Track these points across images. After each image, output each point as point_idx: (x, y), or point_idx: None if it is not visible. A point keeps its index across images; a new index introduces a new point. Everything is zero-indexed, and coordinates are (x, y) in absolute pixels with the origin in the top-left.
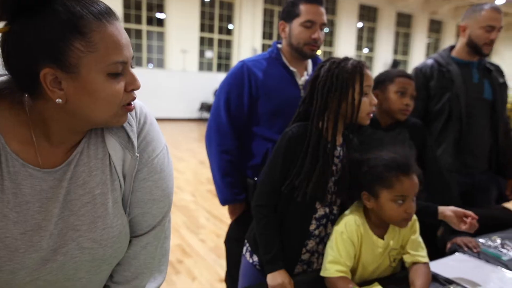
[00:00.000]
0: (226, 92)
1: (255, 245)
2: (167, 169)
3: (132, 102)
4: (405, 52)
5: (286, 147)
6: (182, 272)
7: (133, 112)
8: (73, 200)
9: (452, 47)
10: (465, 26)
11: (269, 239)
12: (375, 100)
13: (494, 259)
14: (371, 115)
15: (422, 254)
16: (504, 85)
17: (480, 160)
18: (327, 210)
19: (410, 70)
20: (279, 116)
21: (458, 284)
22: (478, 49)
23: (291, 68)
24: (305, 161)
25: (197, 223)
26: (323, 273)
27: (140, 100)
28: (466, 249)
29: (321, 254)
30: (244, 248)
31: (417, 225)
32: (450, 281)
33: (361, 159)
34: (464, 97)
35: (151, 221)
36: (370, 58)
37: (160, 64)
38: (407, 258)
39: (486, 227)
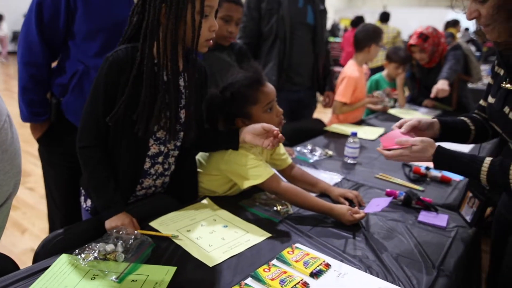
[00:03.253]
0: None
1: (88, 190)
2: (11, 148)
3: None
4: None
5: (107, 74)
6: (7, 227)
7: None
8: None
9: None
10: None
11: (101, 183)
12: (215, 25)
13: (304, 162)
14: (211, 42)
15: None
16: (324, 12)
17: (304, 78)
18: (162, 147)
19: None
20: (99, 38)
21: None
22: None
23: None
24: (132, 89)
25: (23, 171)
26: (254, 183)
27: None
28: None
29: (160, 186)
30: (81, 193)
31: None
32: None
33: (218, 93)
34: (288, 19)
35: None
36: None
37: None
38: (282, 163)
39: (304, 137)
